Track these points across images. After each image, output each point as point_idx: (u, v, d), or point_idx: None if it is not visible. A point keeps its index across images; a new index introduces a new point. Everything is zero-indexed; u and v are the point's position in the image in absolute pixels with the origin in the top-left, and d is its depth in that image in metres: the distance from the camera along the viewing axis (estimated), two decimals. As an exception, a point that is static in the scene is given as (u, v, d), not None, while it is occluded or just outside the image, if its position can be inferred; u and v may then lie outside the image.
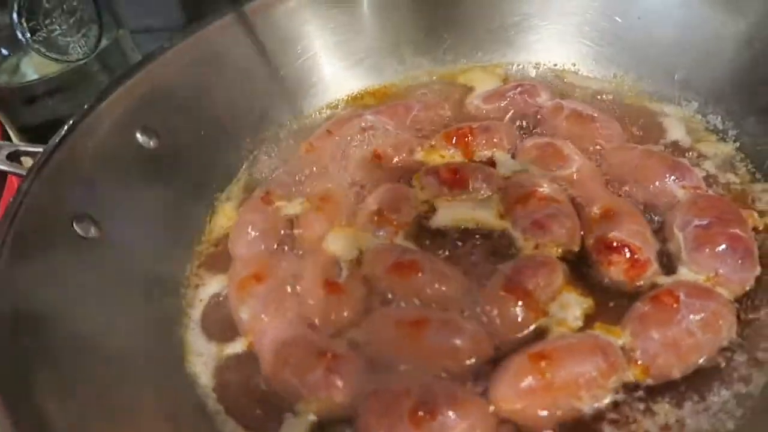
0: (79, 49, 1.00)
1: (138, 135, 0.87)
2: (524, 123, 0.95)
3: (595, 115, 0.90)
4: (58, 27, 0.96)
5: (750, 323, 0.64)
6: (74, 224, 0.75)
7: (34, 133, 1.08)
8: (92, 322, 0.70)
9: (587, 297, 0.70)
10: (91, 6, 1.01)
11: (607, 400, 0.60)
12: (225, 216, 0.92)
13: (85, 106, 0.83)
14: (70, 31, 0.98)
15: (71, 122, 0.80)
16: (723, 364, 0.61)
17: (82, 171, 0.79)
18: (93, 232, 0.76)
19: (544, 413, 0.60)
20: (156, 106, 0.89)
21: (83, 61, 1.01)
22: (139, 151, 0.87)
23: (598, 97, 0.97)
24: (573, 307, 0.70)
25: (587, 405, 0.60)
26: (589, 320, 0.68)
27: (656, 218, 0.77)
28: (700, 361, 0.62)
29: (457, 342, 0.66)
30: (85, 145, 0.80)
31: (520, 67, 1.06)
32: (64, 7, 0.96)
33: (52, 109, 1.05)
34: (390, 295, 0.74)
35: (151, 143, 0.88)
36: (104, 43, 1.05)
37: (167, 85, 0.91)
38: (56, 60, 0.98)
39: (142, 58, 0.94)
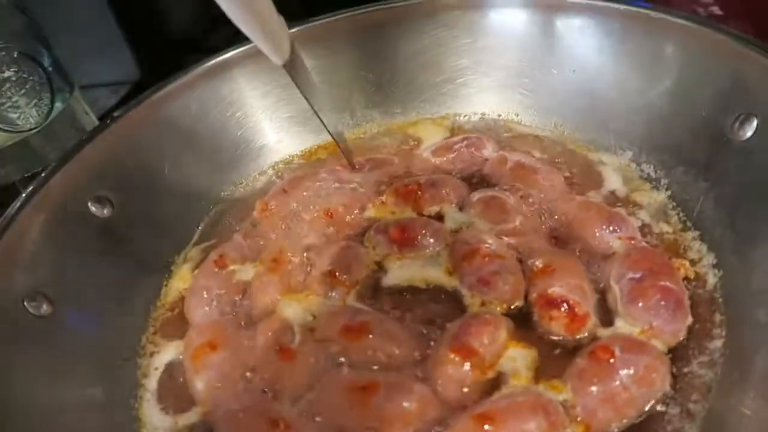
0: (30, 119, 1.01)
1: (90, 205, 0.88)
2: (471, 175, 0.98)
3: (538, 166, 0.94)
4: (7, 100, 0.97)
5: (683, 375, 0.67)
6: (25, 303, 0.75)
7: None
8: (45, 400, 0.71)
9: (532, 349, 0.73)
10: (42, 75, 1.02)
11: (548, 460, 0.62)
12: (181, 279, 0.93)
13: (36, 180, 0.84)
14: (21, 102, 0.99)
15: (22, 198, 0.81)
16: (657, 417, 0.64)
17: (34, 247, 0.79)
18: (45, 309, 0.77)
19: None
20: (108, 175, 0.91)
21: (35, 130, 1.02)
22: (93, 221, 0.88)
23: (541, 146, 1.01)
24: (518, 360, 0.72)
25: (530, 465, 0.62)
26: (534, 373, 0.70)
27: (595, 269, 0.80)
28: (636, 414, 0.64)
29: (406, 405, 0.67)
30: (36, 220, 0.81)
31: (467, 117, 1.10)
32: (14, 79, 0.97)
33: (6, 176, 1.05)
34: (342, 359, 0.76)
35: (105, 212, 0.90)
36: (57, 108, 1.06)
37: (118, 153, 0.92)
38: (7, 132, 0.99)
39: (92, 127, 0.95)
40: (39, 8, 1.09)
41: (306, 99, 0.83)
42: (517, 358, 0.72)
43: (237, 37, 1.05)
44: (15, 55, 0.97)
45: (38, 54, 1.02)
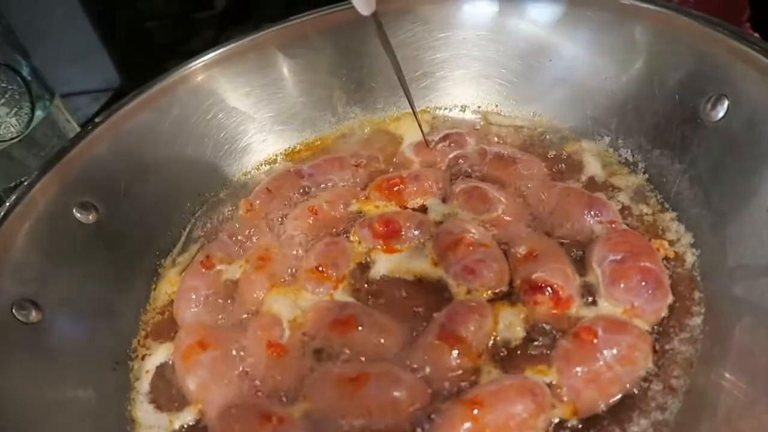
0: (11, 128, 1.01)
1: (75, 212, 0.88)
2: (453, 168, 0.99)
3: (517, 156, 0.95)
4: (-13, 110, 0.97)
5: (664, 352, 0.69)
6: (14, 310, 0.75)
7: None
8: (38, 404, 0.72)
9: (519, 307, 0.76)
10: (21, 84, 1.02)
11: (537, 440, 0.64)
12: (169, 282, 0.93)
13: (19, 187, 0.84)
14: (1, 111, 0.99)
15: (6, 207, 0.81)
16: (641, 395, 0.65)
17: (20, 255, 0.80)
18: (34, 315, 0.77)
19: (481, 457, 0.63)
20: (91, 182, 0.91)
21: (17, 140, 1.02)
22: (78, 227, 0.88)
23: (521, 135, 1.03)
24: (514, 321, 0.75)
25: (520, 446, 0.63)
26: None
27: (578, 253, 0.81)
28: (621, 393, 0.66)
29: (396, 394, 0.68)
30: (21, 228, 0.81)
31: (447, 110, 1.12)
32: (-7, 89, 0.97)
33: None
34: (332, 352, 0.77)
35: (90, 218, 0.90)
36: (38, 116, 1.06)
37: (101, 159, 0.93)
38: (-12, 141, 0.99)
39: (74, 134, 0.96)
40: (15, 16, 1.09)
41: (390, 58, 0.87)
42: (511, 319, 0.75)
43: (218, 41, 1.06)
44: (-7, 65, 0.97)
45: (16, 63, 1.01)
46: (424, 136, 1.01)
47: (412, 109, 0.95)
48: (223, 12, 1.94)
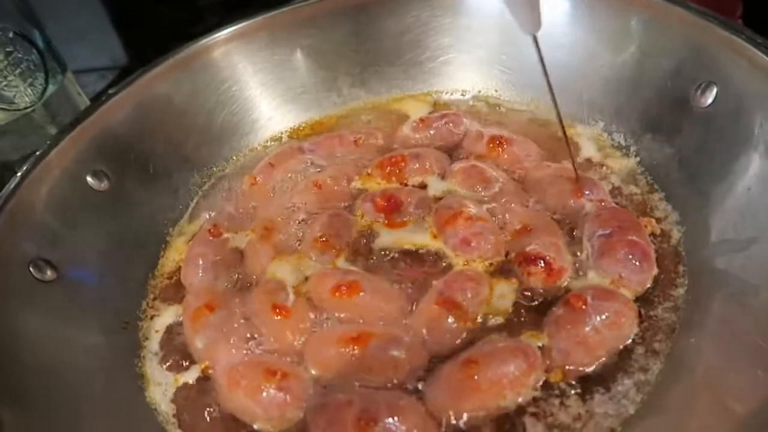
0: (26, 98, 1.04)
1: (89, 178, 0.92)
2: (451, 149, 1.03)
3: (513, 137, 0.99)
4: (3, 79, 0.99)
5: (649, 319, 0.73)
6: (31, 269, 0.79)
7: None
8: (53, 359, 0.75)
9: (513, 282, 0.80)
10: (36, 55, 1.05)
11: (528, 397, 0.68)
12: (177, 250, 0.97)
13: (36, 154, 0.87)
14: (16, 82, 1.02)
15: (23, 171, 0.84)
16: (626, 357, 0.70)
17: (36, 217, 0.83)
18: (49, 274, 0.81)
19: (475, 412, 0.67)
20: (104, 150, 0.94)
21: (31, 109, 1.05)
22: (91, 193, 0.91)
23: (519, 119, 1.07)
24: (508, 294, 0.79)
25: (511, 402, 0.67)
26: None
27: (569, 229, 0.85)
28: (607, 355, 0.70)
29: (395, 353, 0.72)
30: (38, 192, 0.85)
31: (448, 94, 1.15)
32: (10, 59, 1.00)
33: (2, 154, 1.08)
34: (335, 315, 0.80)
35: (102, 185, 0.93)
36: (51, 89, 1.09)
37: (114, 129, 0.96)
38: (4, 110, 1.02)
39: (87, 105, 0.99)
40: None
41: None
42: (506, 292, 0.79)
43: (220, 25, 1.09)
44: (10, 36, 1.00)
45: (32, 34, 1.04)
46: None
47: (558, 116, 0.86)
48: (226, -3, 1.97)
